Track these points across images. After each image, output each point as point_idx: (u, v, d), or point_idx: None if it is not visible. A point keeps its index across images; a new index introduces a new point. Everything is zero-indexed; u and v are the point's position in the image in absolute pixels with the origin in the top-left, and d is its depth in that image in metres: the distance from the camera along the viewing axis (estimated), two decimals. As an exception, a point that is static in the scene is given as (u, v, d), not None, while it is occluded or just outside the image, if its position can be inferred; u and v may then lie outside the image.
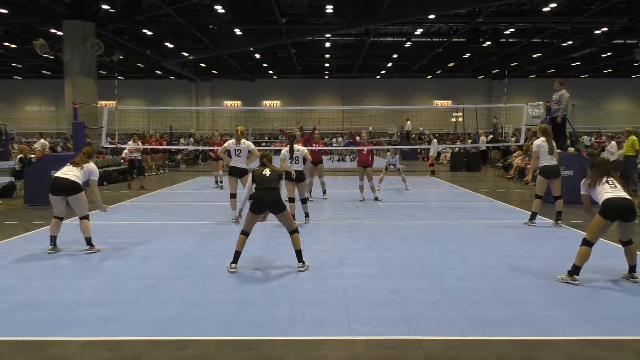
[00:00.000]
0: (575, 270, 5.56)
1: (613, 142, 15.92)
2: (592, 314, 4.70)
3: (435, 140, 22.51)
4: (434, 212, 10.90)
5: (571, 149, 14.04)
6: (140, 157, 15.52)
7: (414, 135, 32.96)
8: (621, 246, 5.82)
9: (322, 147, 12.63)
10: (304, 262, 6.13)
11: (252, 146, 9.14)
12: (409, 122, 31.29)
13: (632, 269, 5.70)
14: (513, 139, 26.81)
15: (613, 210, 5.39)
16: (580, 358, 3.84)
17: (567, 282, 5.56)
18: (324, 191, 12.39)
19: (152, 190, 14.66)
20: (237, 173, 9.04)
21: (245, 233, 6.11)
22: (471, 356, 3.86)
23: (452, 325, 4.42)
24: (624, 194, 5.46)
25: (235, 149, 8.93)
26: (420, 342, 4.07)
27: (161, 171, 20.72)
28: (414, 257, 6.78)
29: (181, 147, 25.29)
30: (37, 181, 11.63)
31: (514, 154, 19.64)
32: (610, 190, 5.50)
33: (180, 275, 5.93)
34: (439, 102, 45.91)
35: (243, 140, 9.01)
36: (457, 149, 23.59)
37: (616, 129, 31.84)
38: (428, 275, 5.90)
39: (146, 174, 16.65)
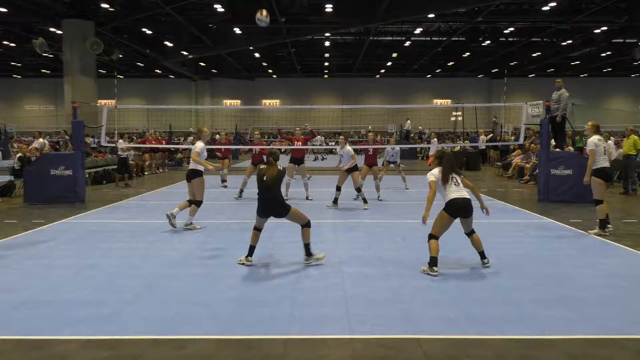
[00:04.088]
0: (433, 262, 5.89)
1: (610, 142, 15.96)
2: (591, 313, 4.70)
3: (435, 139, 22.50)
4: (433, 211, 10.87)
5: (570, 148, 14.05)
6: (125, 156, 15.46)
7: (413, 135, 32.96)
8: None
9: (305, 146, 12.73)
10: (311, 255, 6.27)
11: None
12: (408, 121, 31.29)
13: (481, 255, 6.21)
14: (512, 137, 26.80)
15: (456, 210, 6.00)
16: (579, 357, 3.85)
17: (428, 274, 5.84)
18: (306, 191, 12.19)
19: (146, 189, 14.66)
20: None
21: (257, 229, 6.35)
22: (471, 355, 3.86)
23: (451, 324, 4.42)
24: (465, 194, 6.03)
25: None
26: (419, 341, 4.07)
27: (161, 170, 20.72)
28: (413, 256, 6.77)
29: (184, 146, 25.25)
30: (36, 180, 11.63)
31: (513, 153, 19.65)
32: (455, 190, 6.05)
33: (180, 275, 5.92)
34: (438, 101, 45.89)
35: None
36: (458, 148, 23.59)
37: (615, 128, 31.84)
38: (427, 274, 5.90)
39: (134, 176, 16.67)
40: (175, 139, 30.37)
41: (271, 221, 8.34)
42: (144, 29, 28.38)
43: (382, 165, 14.35)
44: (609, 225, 8.16)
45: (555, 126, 12.68)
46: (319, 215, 9.92)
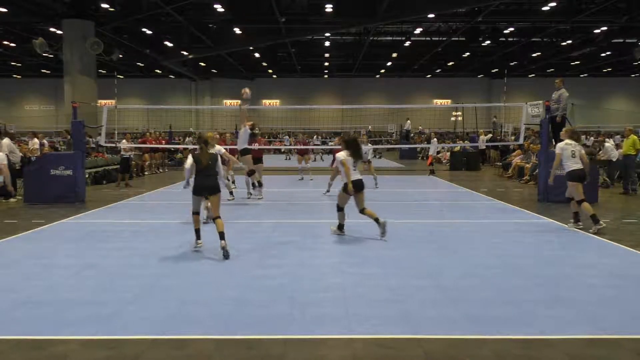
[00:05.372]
0: (341, 227, 7.96)
1: (607, 145, 16.03)
2: (591, 313, 4.70)
3: (435, 139, 22.49)
4: (433, 212, 10.90)
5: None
6: (128, 156, 15.45)
7: (412, 135, 32.96)
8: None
9: (263, 146, 12.96)
10: (225, 241, 6.67)
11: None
12: (408, 121, 31.30)
13: (376, 220, 7.69)
14: (512, 137, 26.80)
15: (357, 187, 7.69)
16: (579, 357, 3.84)
17: (337, 234, 7.89)
18: (249, 191, 12.24)
19: (146, 189, 14.67)
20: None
21: (196, 212, 7.01)
22: (470, 355, 3.86)
23: (451, 324, 4.42)
24: (359, 176, 7.80)
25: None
26: (419, 341, 4.07)
27: (161, 170, 20.72)
28: (413, 256, 6.78)
29: (184, 146, 25.23)
30: (36, 180, 11.63)
31: (513, 153, 19.65)
32: (354, 172, 7.72)
33: (179, 274, 5.92)
34: (438, 101, 45.91)
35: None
36: (458, 148, 23.59)
37: (615, 128, 31.85)
38: (427, 274, 5.91)
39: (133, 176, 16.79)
40: (176, 138, 30.36)
41: (270, 221, 8.36)
42: (144, 29, 28.38)
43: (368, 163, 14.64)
44: (580, 223, 8.51)
45: (555, 126, 12.67)
46: (318, 215, 9.92)
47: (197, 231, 6.99)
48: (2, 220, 9.57)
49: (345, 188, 7.71)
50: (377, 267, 6.24)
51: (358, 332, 4.23)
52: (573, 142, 8.62)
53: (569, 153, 8.48)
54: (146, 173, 19.36)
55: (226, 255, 6.52)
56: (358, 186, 7.73)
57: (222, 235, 6.65)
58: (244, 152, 11.36)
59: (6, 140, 12.89)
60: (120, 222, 9.33)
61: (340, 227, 8.01)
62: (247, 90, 11.93)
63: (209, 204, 9.00)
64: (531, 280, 5.69)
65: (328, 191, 12.74)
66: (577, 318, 4.57)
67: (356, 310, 4.72)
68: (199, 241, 6.97)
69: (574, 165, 8.43)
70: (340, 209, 7.96)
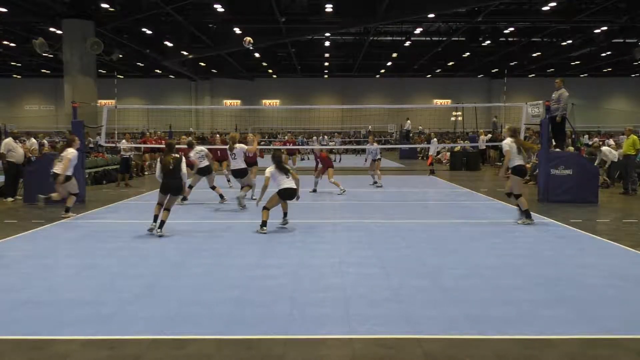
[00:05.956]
0: (264, 224, 8.14)
1: (604, 148, 16.06)
2: (590, 313, 4.70)
3: (435, 139, 22.49)
4: (433, 212, 10.90)
5: (570, 149, 14.06)
6: (128, 156, 15.46)
7: (412, 135, 32.96)
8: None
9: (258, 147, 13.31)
10: (161, 228, 7.87)
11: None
12: (408, 121, 31.30)
13: (285, 215, 8.56)
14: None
15: (287, 195, 8.29)
16: (578, 357, 3.84)
17: (259, 232, 8.03)
18: (252, 194, 12.04)
19: (146, 189, 14.67)
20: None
21: (159, 204, 8.07)
22: (470, 355, 3.86)
23: (451, 324, 4.42)
24: (292, 184, 8.31)
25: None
26: (419, 341, 4.07)
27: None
28: (413, 256, 6.78)
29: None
30: (36, 180, 11.62)
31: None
32: (285, 180, 8.29)
33: (179, 274, 5.93)
34: (438, 101, 45.91)
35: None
36: (458, 148, 23.59)
37: (615, 128, 31.83)
38: (428, 274, 5.91)
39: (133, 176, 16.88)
40: (176, 138, 30.37)
41: (271, 222, 8.36)
42: (144, 29, 28.37)
43: (369, 164, 15.04)
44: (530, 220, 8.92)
45: (555, 126, 12.68)
46: (318, 215, 9.92)
47: (155, 217, 7.96)
48: (2, 220, 9.57)
49: (279, 192, 8.24)
50: (377, 267, 6.24)
51: (358, 332, 4.23)
52: (514, 139, 9.15)
53: (515, 149, 8.94)
54: (146, 173, 19.35)
55: (160, 235, 7.77)
56: (288, 194, 8.29)
57: (162, 224, 7.85)
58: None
59: (8, 140, 12.92)
60: (120, 222, 9.33)
61: (264, 223, 8.21)
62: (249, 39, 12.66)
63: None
64: (531, 280, 5.69)
65: (314, 190, 13.39)
66: (577, 318, 4.57)
67: (356, 310, 4.72)
68: (154, 224, 7.88)
69: (519, 161, 8.98)
70: (267, 208, 8.34)
